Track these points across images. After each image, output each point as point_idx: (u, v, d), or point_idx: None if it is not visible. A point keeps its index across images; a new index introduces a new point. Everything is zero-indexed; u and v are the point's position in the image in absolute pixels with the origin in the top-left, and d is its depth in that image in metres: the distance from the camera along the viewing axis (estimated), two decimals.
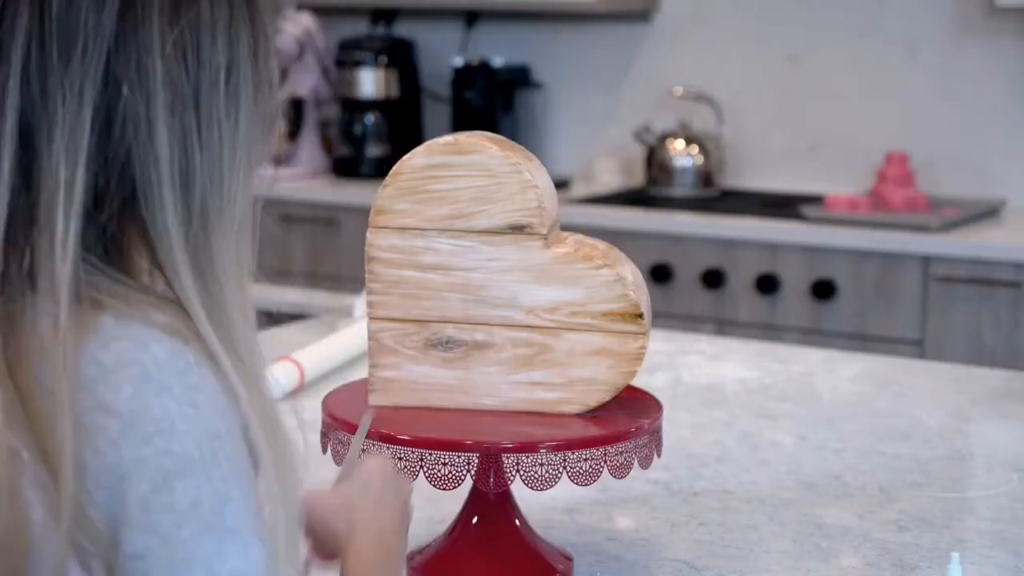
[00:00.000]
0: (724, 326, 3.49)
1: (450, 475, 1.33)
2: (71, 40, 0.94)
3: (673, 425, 1.87)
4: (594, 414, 1.42)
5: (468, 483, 1.35)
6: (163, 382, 0.90)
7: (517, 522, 1.44)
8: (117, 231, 0.97)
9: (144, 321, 0.92)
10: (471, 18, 4.27)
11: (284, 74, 4.26)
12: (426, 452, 1.34)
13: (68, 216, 0.93)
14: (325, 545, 1.16)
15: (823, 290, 3.38)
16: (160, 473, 0.89)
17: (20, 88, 0.94)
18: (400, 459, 1.34)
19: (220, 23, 0.99)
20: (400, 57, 4.23)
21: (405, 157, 1.41)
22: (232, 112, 0.99)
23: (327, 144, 4.35)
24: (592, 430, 1.38)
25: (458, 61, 4.12)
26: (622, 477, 1.37)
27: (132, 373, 0.90)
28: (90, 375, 0.90)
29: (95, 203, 0.95)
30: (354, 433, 1.36)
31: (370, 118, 4.18)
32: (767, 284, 3.44)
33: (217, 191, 0.97)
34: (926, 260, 3.28)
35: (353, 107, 4.20)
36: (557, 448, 1.34)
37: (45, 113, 0.94)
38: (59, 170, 0.93)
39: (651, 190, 3.89)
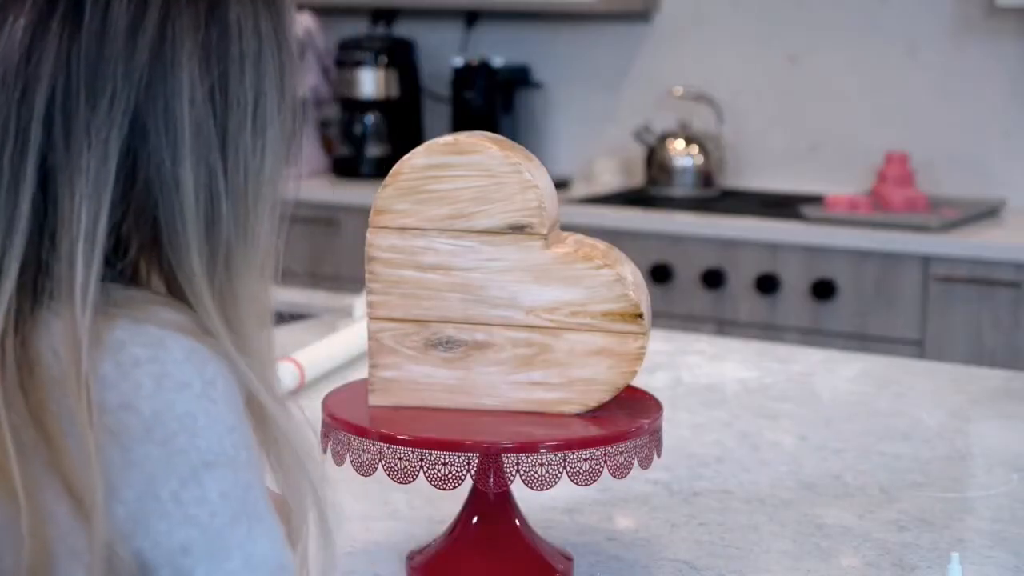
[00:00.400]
0: (724, 326, 3.49)
1: (450, 475, 1.33)
2: (99, 87, 0.94)
3: (673, 425, 1.87)
4: (594, 414, 1.42)
5: (468, 483, 1.35)
6: (182, 378, 0.92)
7: (517, 522, 1.44)
8: (135, 263, 0.98)
9: (158, 321, 0.93)
10: (471, 18, 4.27)
11: None
12: (426, 452, 1.34)
13: (89, 264, 0.92)
14: None
15: (823, 290, 3.38)
16: (188, 468, 0.91)
17: (43, 131, 0.94)
18: (400, 459, 1.34)
19: (249, 59, 0.99)
20: (400, 57, 4.23)
21: (405, 157, 1.41)
22: (258, 148, 0.99)
23: (327, 144, 4.35)
24: (592, 430, 1.38)
25: (458, 61, 4.12)
26: (622, 477, 1.37)
27: (152, 370, 0.91)
28: (110, 376, 0.90)
29: (115, 248, 0.96)
30: (355, 434, 1.36)
31: (370, 118, 4.18)
32: (767, 284, 3.44)
33: (242, 231, 0.98)
34: (926, 260, 3.28)
35: (353, 107, 4.20)
36: (557, 448, 1.34)
37: (68, 158, 0.93)
38: (81, 217, 0.93)
39: (651, 190, 3.89)
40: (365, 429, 1.37)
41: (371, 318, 1.43)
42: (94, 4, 0.95)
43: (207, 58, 0.97)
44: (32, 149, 0.93)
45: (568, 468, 1.34)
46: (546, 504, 1.61)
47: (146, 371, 0.91)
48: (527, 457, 1.33)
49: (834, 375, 2.22)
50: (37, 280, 0.94)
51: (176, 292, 0.97)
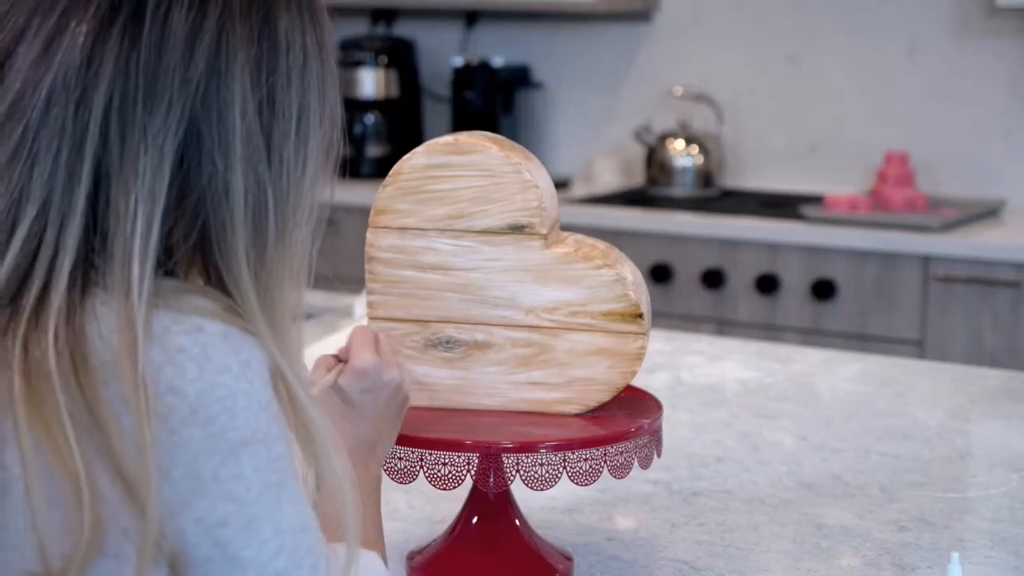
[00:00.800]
0: (724, 326, 3.49)
1: (450, 475, 1.33)
2: (157, 94, 0.97)
3: (673, 425, 1.87)
4: (594, 414, 1.42)
5: (468, 483, 1.35)
6: (222, 362, 0.96)
7: (517, 522, 1.44)
8: (178, 263, 1.01)
9: (194, 308, 0.97)
10: (471, 18, 4.27)
11: None
12: (426, 452, 1.34)
13: (144, 261, 0.96)
14: None
15: (823, 290, 3.38)
16: (228, 446, 0.96)
17: (100, 134, 0.97)
18: (400, 459, 1.35)
19: (295, 71, 1.03)
20: (400, 57, 4.23)
21: (405, 157, 1.41)
22: (300, 158, 1.03)
23: None
24: (592, 430, 1.38)
25: (458, 61, 4.12)
26: (622, 477, 1.37)
27: (195, 355, 0.95)
28: (157, 361, 0.94)
29: (166, 251, 0.99)
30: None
31: (370, 118, 4.18)
32: (767, 284, 3.44)
33: (283, 236, 1.02)
34: (926, 260, 3.28)
35: (353, 107, 4.19)
36: (557, 448, 1.34)
37: (124, 161, 0.97)
38: (137, 217, 0.96)
39: (651, 190, 3.89)
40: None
41: (371, 318, 1.43)
42: (154, 14, 0.98)
43: (258, 71, 1.01)
44: (89, 151, 0.97)
45: (568, 468, 1.34)
46: (546, 504, 1.61)
47: (190, 356, 0.95)
48: (527, 457, 1.33)
49: (834, 375, 2.22)
50: (88, 274, 0.97)
51: (220, 290, 1.01)
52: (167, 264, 1.00)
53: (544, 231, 1.39)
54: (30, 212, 0.97)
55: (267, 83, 1.01)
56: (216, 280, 1.01)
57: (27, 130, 0.97)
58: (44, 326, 0.95)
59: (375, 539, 1.25)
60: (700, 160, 3.87)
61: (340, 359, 1.30)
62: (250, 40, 1.01)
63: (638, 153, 4.01)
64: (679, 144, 3.88)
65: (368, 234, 1.41)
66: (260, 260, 1.01)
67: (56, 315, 0.95)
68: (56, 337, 0.95)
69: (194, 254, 1.01)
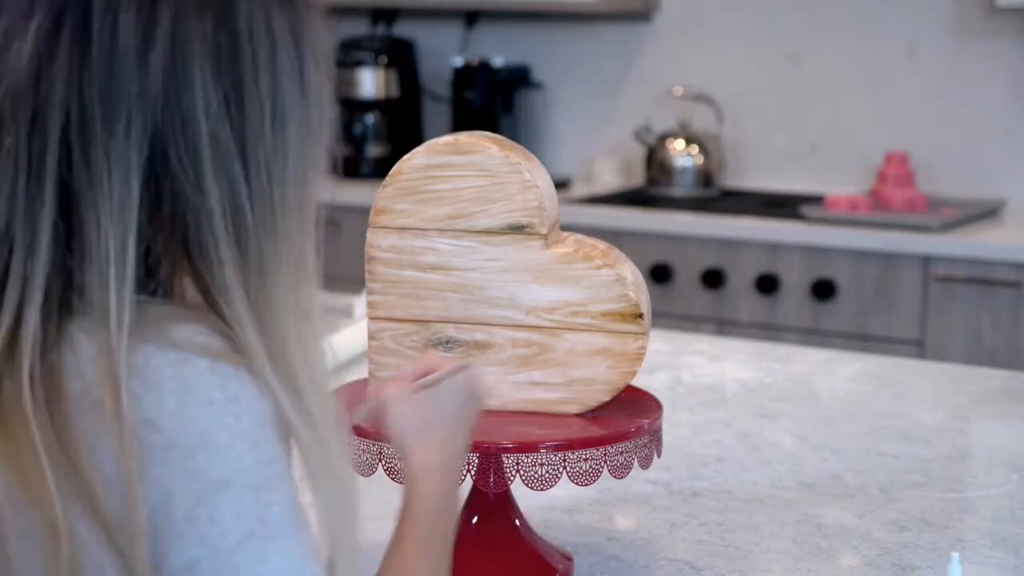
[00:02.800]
0: (724, 326, 3.49)
1: None
2: (115, 110, 0.92)
3: (673, 425, 1.87)
4: (594, 414, 1.42)
5: (468, 483, 1.35)
6: (205, 395, 0.91)
7: (517, 522, 1.44)
8: (168, 280, 0.97)
9: (182, 339, 0.92)
10: (471, 18, 4.27)
11: None
12: None
13: (122, 287, 0.91)
14: (381, 431, 1.20)
15: (823, 290, 3.38)
16: (205, 486, 0.90)
17: (60, 158, 0.92)
18: (400, 459, 1.34)
19: (262, 60, 0.97)
20: (400, 57, 4.23)
21: (405, 157, 1.41)
22: (279, 149, 0.98)
23: None
24: (592, 430, 1.38)
25: (458, 61, 4.12)
26: (622, 477, 1.37)
27: (174, 387, 0.90)
28: (136, 392, 0.90)
29: (147, 268, 0.95)
30: (355, 434, 1.36)
31: (370, 118, 4.18)
32: (767, 284, 3.44)
33: (271, 234, 0.97)
34: (926, 260, 3.28)
35: (353, 107, 4.19)
36: (557, 448, 1.34)
37: (90, 183, 0.92)
38: (109, 241, 0.92)
39: (651, 190, 3.89)
40: (365, 429, 1.37)
41: (371, 318, 1.43)
42: (101, 24, 0.92)
43: (218, 67, 0.95)
44: (49, 177, 0.92)
45: (568, 468, 1.34)
46: (546, 504, 1.61)
47: (169, 388, 0.90)
48: (527, 457, 1.33)
49: (834, 375, 2.22)
50: (62, 303, 0.93)
51: (212, 303, 0.96)
52: (150, 284, 0.95)
53: (544, 231, 1.39)
54: None
55: (231, 78, 0.95)
56: (204, 291, 0.96)
57: None
58: (18, 363, 0.90)
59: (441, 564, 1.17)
60: (700, 160, 3.87)
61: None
62: (204, 37, 0.94)
63: (638, 153, 4.01)
64: (679, 144, 3.88)
65: (368, 234, 1.41)
66: (247, 265, 0.96)
67: (30, 350, 0.91)
68: (31, 374, 0.90)
69: (177, 267, 0.96)
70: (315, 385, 0.98)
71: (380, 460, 1.35)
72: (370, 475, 1.37)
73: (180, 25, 0.94)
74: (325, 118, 1.03)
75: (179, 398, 0.90)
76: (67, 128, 0.92)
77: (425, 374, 1.22)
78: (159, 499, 0.89)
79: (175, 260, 0.96)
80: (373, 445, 1.36)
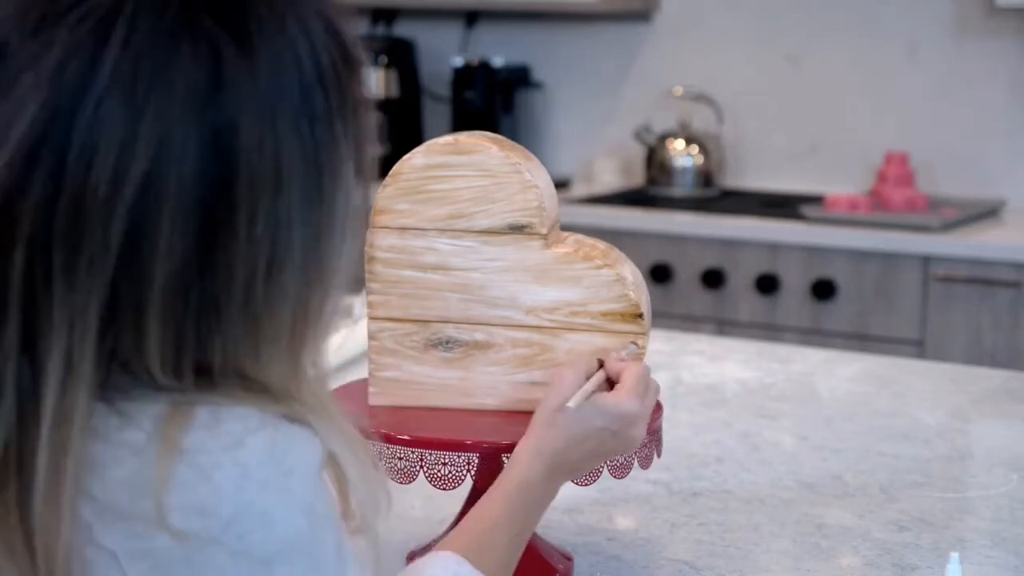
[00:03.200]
0: (724, 326, 3.49)
1: (450, 475, 1.33)
2: (75, 256, 0.86)
3: (673, 425, 1.87)
4: None
5: (468, 483, 1.35)
6: (261, 477, 0.89)
7: None
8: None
9: (233, 418, 0.90)
10: (471, 18, 4.27)
11: None
12: (426, 452, 1.34)
13: (76, 392, 0.87)
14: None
15: (823, 290, 3.38)
16: (260, 559, 0.90)
17: (21, 294, 0.87)
18: (400, 459, 1.34)
19: (262, 205, 0.88)
20: (400, 57, 4.23)
21: (405, 157, 1.41)
22: (272, 297, 0.90)
23: None
24: None
25: (458, 61, 4.12)
26: (622, 477, 1.37)
27: (232, 474, 0.88)
28: (188, 478, 0.88)
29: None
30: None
31: None
32: (767, 284, 3.44)
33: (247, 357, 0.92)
34: (926, 260, 3.28)
35: None
36: None
37: (51, 327, 0.87)
38: (52, 379, 0.87)
39: (651, 190, 3.89)
40: (365, 429, 1.37)
41: (371, 318, 1.43)
42: (76, 163, 0.85)
43: (196, 217, 0.87)
44: (13, 317, 0.87)
45: None
46: None
47: (227, 474, 0.88)
48: None
49: (834, 375, 2.22)
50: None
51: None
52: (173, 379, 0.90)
53: (544, 231, 1.39)
54: None
55: (211, 223, 0.87)
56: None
57: None
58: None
59: (508, 561, 1.21)
60: (700, 160, 3.87)
61: (607, 372, 1.31)
62: (182, 181, 0.86)
63: (638, 153, 4.01)
64: (679, 144, 3.88)
65: (368, 234, 1.41)
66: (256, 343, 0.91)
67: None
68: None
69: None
70: (350, 445, 0.97)
71: (380, 460, 1.35)
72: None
73: (159, 162, 0.86)
74: (353, 231, 0.95)
75: (236, 484, 0.88)
76: (31, 269, 0.86)
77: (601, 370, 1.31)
78: (215, 573, 0.89)
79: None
80: (373, 445, 1.35)
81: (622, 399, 1.28)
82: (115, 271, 0.86)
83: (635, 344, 1.37)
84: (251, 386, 0.92)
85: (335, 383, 1.54)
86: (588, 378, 1.30)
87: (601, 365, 1.33)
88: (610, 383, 1.32)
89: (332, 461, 0.95)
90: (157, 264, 0.86)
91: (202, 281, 0.88)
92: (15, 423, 0.88)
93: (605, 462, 1.34)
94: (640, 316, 1.40)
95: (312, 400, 0.95)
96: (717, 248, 3.50)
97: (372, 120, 0.95)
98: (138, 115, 0.85)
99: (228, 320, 0.89)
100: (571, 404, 1.26)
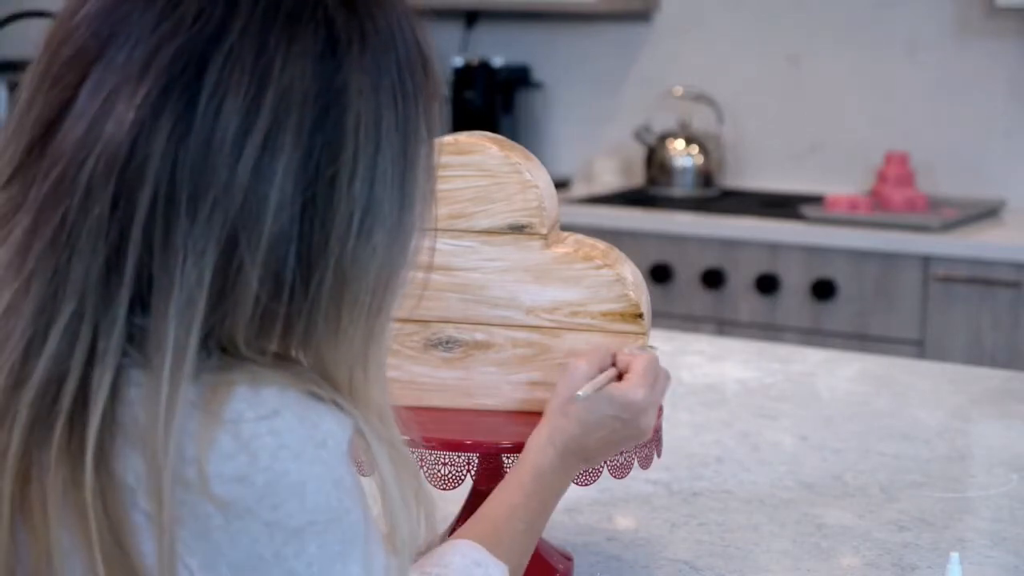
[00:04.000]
0: (724, 326, 3.49)
1: (450, 475, 1.33)
2: (201, 197, 0.89)
3: (673, 425, 1.87)
4: None
5: (468, 483, 1.35)
6: (296, 448, 0.91)
7: None
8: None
9: (270, 387, 0.92)
10: (471, 18, 4.27)
11: None
12: (426, 452, 1.34)
13: (177, 377, 0.89)
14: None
15: (823, 290, 3.38)
16: (293, 529, 0.92)
17: (143, 236, 0.89)
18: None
19: (362, 162, 0.94)
20: None
21: None
22: (361, 256, 0.94)
23: None
24: None
25: (458, 61, 4.12)
26: (622, 477, 1.37)
27: (268, 443, 0.90)
28: (227, 448, 0.90)
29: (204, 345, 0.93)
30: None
31: None
32: (767, 284, 3.44)
33: (332, 337, 0.95)
34: (926, 260, 3.28)
35: None
36: None
37: (166, 269, 0.89)
38: (169, 334, 0.89)
39: (651, 190, 3.89)
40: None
41: None
42: (208, 102, 0.89)
43: (305, 169, 0.91)
44: (131, 255, 0.89)
45: None
46: None
47: (263, 444, 0.90)
48: None
49: (834, 375, 2.22)
50: (122, 375, 0.91)
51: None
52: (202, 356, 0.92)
53: (544, 231, 1.39)
54: (66, 310, 0.90)
55: (320, 183, 0.92)
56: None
57: (66, 218, 0.89)
58: (81, 443, 0.89)
59: (524, 548, 1.24)
60: (700, 160, 3.87)
61: (616, 364, 1.31)
62: (300, 132, 0.91)
63: (638, 153, 4.01)
64: (679, 144, 3.88)
65: None
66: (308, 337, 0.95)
67: (94, 430, 0.89)
68: (95, 455, 0.89)
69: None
70: (386, 434, 0.99)
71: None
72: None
73: (282, 115, 0.91)
74: (426, 218, 1.00)
75: (272, 453, 0.90)
76: (154, 209, 0.89)
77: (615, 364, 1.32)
78: (248, 543, 0.91)
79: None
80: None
81: (629, 388, 1.28)
82: (234, 219, 0.90)
83: (652, 346, 1.38)
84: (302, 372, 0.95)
85: None
86: (602, 371, 1.30)
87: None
88: (621, 378, 1.32)
89: (378, 477, 0.98)
90: (270, 215, 0.91)
91: (300, 236, 0.92)
92: (109, 385, 0.90)
93: (609, 459, 1.34)
94: (640, 316, 1.40)
95: (371, 406, 0.98)
96: (717, 248, 3.50)
97: (441, 113, 1.01)
98: (268, 66, 0.91)
99: (319, 277, 0.93)
100: (580, 393, 1.26)
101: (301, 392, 0.93)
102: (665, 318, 3.41)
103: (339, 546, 0.94)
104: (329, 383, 0.96)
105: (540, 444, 1.27)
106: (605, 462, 1.35)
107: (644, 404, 1.29)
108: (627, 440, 1.30)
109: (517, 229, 1.39)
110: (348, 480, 0.94)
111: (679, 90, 3.95)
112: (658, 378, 1.31)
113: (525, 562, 1.25)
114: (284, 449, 0.91)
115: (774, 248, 3.44)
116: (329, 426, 0.93)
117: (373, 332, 0.97)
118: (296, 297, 0.93)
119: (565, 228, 1.47)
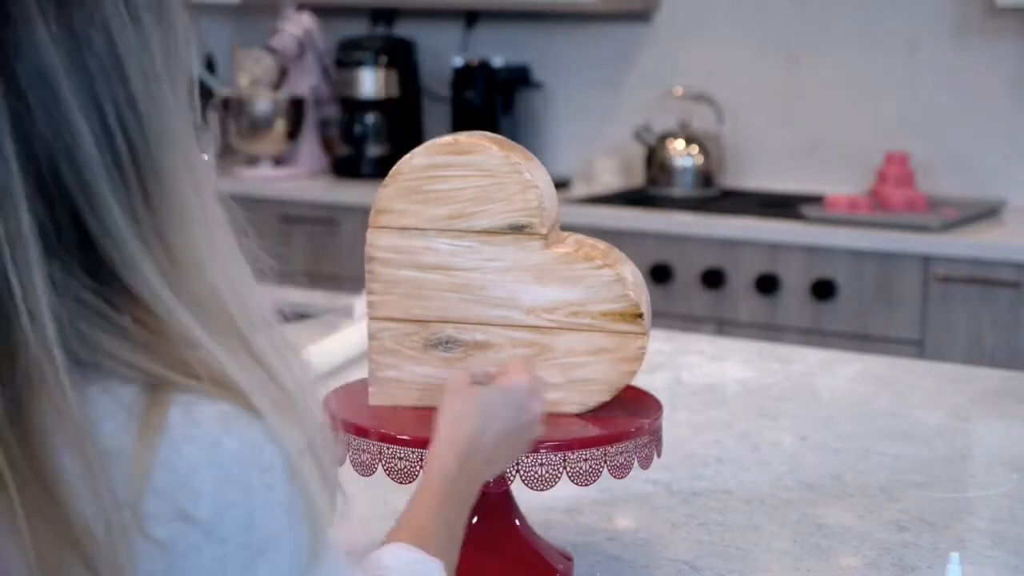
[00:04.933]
0: (724, 326, 3.49)
1: None
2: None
3: (673, 425, 1.87)
4: (594, 414, 1.42)
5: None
6: (242, 478, 0.88)
7: (517, 522, 1.44)
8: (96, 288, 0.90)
9: (207, 414, 0.88)
10: (471, 18, 4.27)
11: (284, 74, 4.26)
12: (426, 452, 1.34)
13: (28, 267, 0.86)
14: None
15: (823, 290, 3.38)
16: (245, 559, 0.88)
17: None
18: (400, 459, 1.34)
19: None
20: (400, 57, 4.23)
21: (405, 157, 1.41)
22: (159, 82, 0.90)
23: (327, 144, 4.35)
24: (592, 430, 1.38)
25: (458, 61, 4.12)
26: (622, 477, 1.37)
27: (210, 476, 0.87)
28: (166, 483, 0.86)
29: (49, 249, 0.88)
30: (355, 434, 1.36)
31: (370, 118, 4.18)
32: (767, 284, 3.44)
33: (155, 176, 0.90)
34: (926, 260, 3.28)
35: (353, 107, 4.20)
36: (557, 448, 1.34)
37: None
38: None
39: (651, 190, 3.89)
40: (365, 429, 1.37)
41: (371, 318, 1.43)
42: None
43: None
44: None
45: (568, 468, 1.34)
46: (546, 504, 1.61)
47: (205, 478, 0.86)
48: (527, 457, 1.33)
49: (834, 375, 2.22)
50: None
51: (120, 284, 0.90)
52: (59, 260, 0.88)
53: (544, 231, 1.39)
54: None
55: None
56: (110, 278, 0.89)
57: None
58: None
59: (450, 548, 1.22)
60: (700, 160, 3.87)
61: (491, 376, 1.32)
62: None
63: (638, 153, 4.01)
64: (679, 144, 3.88)
65: (368, 234, 1.42)
66: (146, 220, 0.89)
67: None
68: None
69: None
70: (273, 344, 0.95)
71: (380, 460, 1.35)
72: (370, 475, 1.37)
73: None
74: (188, 56, 0.95)
75: (216, 487, 0.87)
76: None
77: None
78: None
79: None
80: (373, 445, 1.35)
81: (510, 374, 1.30)
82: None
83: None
84: (224, 381, 0.89)
85: (335, 383, 1.55)
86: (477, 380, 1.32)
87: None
88: None
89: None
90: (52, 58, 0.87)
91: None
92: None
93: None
94: (640, 316, 1.40)
95: (265, 348, 0.93)
96: (717, 248, 3.50)
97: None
98: None
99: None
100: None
101: (243, 411, 0.88)
102: (665, 318, 3.41)
103: (289, 570, 0.90)
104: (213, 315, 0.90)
105: (439, 453, 1.24)
106: (605, 462, 1.35)
107: (528, 386, 1.29)
108: (522, 430, 1.29)
109: (517, 229, 1.39)
110: (297, 502, 0.90)
111: (679, 90, 3.95)
112: (533, 368, 1.33)
113: (454, 564, 1.22)
114: (227, 483, 0.87)
115: (774, 248, 3.44)
116: (276, 447, 0.89)
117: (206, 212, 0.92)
118: (112, 132, 0.89)
119: (565, 228, 1.47)
